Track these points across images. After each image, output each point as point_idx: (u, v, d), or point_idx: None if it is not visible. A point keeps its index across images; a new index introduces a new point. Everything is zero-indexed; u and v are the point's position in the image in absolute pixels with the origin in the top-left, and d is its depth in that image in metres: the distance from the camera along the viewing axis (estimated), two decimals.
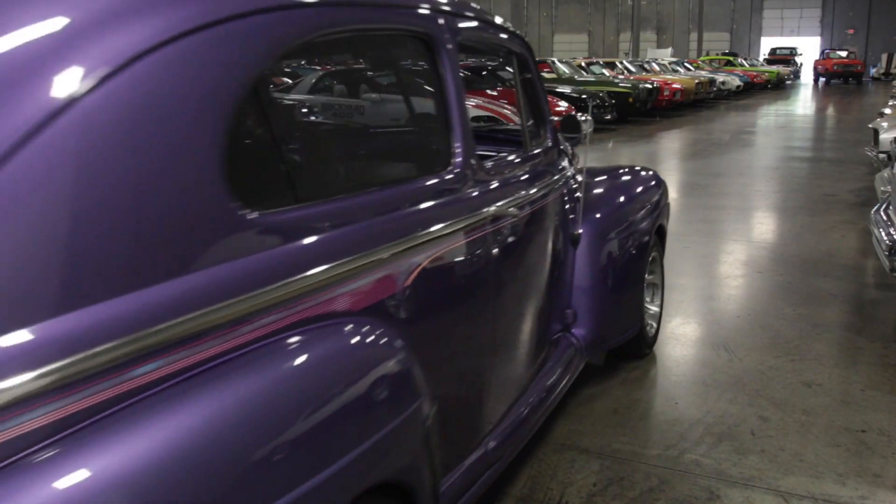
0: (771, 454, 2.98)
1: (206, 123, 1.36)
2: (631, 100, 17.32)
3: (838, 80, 38.15)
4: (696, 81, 22.03)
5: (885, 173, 6.05)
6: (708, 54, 38.22)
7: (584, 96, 15.19)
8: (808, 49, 46.21)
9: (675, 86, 19.97)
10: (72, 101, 1.18)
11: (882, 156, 7.69)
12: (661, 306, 4.12)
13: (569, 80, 17.39)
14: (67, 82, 1.19)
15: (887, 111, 9.66)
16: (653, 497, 2.71)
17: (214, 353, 1.30)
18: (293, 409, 1.37)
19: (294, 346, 1.44)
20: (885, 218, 4.55)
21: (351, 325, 1.59)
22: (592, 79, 18.51)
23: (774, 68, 34.16)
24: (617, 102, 16.46)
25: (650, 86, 18.61)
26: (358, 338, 1.59)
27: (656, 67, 24.42)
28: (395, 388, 1.62)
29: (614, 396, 3.49)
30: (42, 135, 1.14)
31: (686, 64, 27.90)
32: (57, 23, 1.23)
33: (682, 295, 4.97)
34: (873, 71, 41.49)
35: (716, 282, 5.28)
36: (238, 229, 1.39)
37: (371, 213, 1.75)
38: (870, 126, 9.45)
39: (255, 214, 1.42)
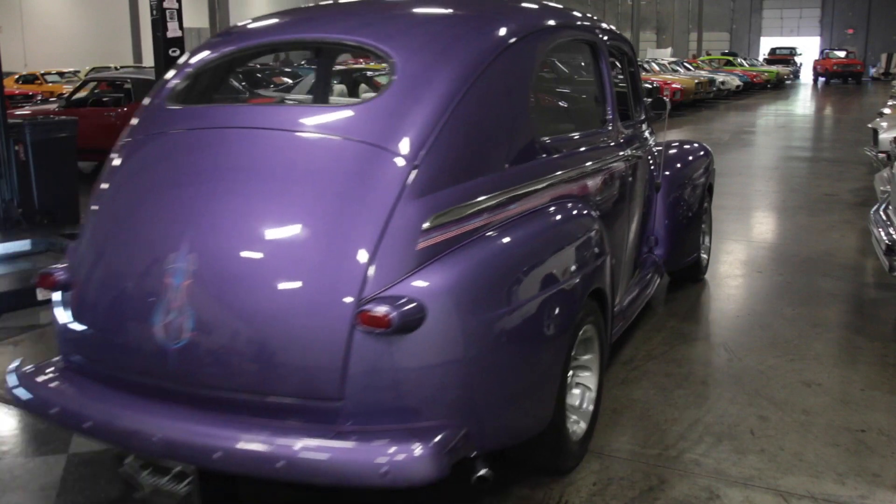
0: (770, 454, 2.99)
1: (529, 85, 2.85)
2: None
3: (838, 80, 38.12)
4: (696, 81, 22.02)
5: (885, 173, 6.05)
6: (708, 54, 38.19)
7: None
8: (808, 49, 46.17)
9: (674, 85, 19.97)
10: (489, 55, 2.65)
11: (881, 155, 7.69)
12: (710, 244, 5.50)
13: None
14: (481, 47, 2.67)
15: (886, 111, 9.65)
16: (653, 497, 2.71)
17: (530, 207, 2.69)
18: (567, 237, 2.81)
19: (557, 208, 2.85)
20: (884, 218, 4.55)
21: (579, 203, 3.03)
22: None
23: (774, 68, 34.08)
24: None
25: (650, 86, 18.58)
26: (583, 210, 3.00)
27: (656, 67, 24.41)
28: (600, 239, 2.99)
29: (614, 396, 3.50)
30: (480, 70, 2.58)
31: (686, 64, 27.87)
32: (485, 20, 2.91)
33: (682, 294, 4.97)
34: (873, 71, 41.44)
35: (716, 282, 5.28)
36: (537, 145, 2.84)
37: (579, 145, 3.25)
38: (869, 126, 9.45)
39: (541, 139, 2.88)
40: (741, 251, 6.14)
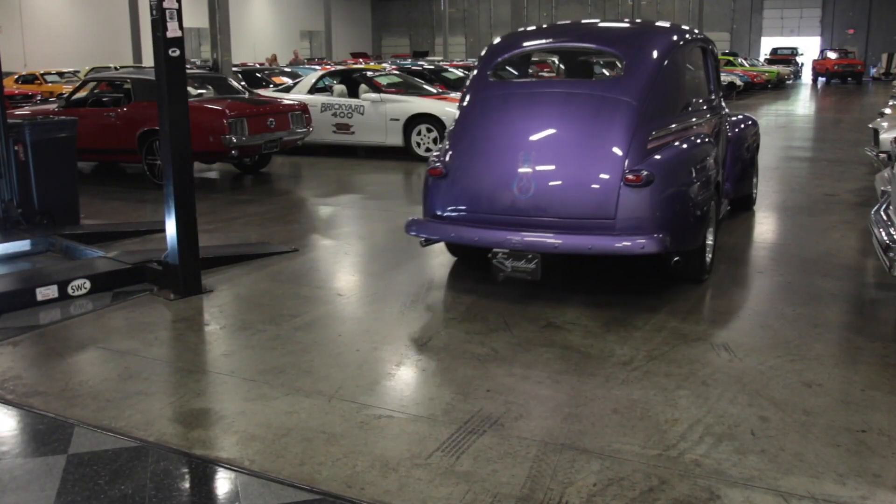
0: (771, 454, 2.98)
1: (684, 69, 5.55)
2: None
3: (838, 80, 38.10)
4: None
5: (885, 173, 6.04)
6: None
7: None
8: (810, 49, 46.11)
9: None
10: (668, 53, 5.24)
11: (882, 156, 7.68)
12: (756, 185, 7.89)
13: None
14: (664, 48, 5.27)
15: (887, 111, 9.65)
16: (653, 497, 2.71)
17: (688, 135, 5.29)
18: (706, 152, 5.30)
19: (693, 140, 5.28)
20: (884, 218, 4.55)
21: (706, 136, 5.53)
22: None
23: (774, 68, 34.02)
24: None
25: None
26: (707, 140, 5.47)
27: None
28: (716, 157, 5.57)
29: (614, 396, 3.49)
30: (665, 61, 5.18)
31: None
32: (655, 36, 5.62)
33: (683, 294, 4.96)
34: (873, 71, 41.38)
35: (716, 282, 5.27)
36: (688, 102, 5.55)
37: (702, 105, 5.90)
38: (870, 126, 9.44)
39: (690, 98, 5.62)
40: (741, 251, 6.13)
